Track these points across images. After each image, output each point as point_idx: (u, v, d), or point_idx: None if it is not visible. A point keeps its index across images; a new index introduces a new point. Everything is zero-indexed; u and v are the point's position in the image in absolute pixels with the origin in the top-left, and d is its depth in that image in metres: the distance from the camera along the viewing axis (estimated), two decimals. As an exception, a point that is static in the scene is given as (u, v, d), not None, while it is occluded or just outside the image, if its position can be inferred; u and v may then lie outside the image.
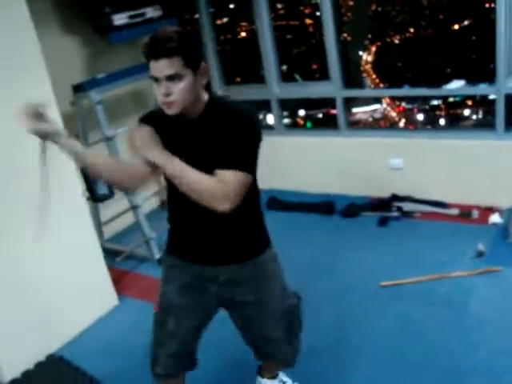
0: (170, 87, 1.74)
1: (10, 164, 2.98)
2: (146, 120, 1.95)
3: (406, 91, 4.38)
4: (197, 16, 5.01)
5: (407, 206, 4.18)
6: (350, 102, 4.79)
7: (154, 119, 1.92)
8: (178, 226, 2.06)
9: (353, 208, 4.32)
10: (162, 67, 1.72)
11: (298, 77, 4.70)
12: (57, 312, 3.26)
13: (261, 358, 2.40)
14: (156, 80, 1.75)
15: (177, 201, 1.95)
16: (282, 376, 2.55)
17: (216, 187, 1.74)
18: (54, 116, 3.17)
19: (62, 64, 3.91)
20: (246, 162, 1.80)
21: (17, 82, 2.97)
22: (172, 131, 1.87)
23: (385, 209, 4.23)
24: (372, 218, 4.18)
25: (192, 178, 1.76)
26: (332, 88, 4.51)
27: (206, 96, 1.86)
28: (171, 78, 1.73)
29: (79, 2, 4.13)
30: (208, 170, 1.77)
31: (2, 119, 2.89)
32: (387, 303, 3.17)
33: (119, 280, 3.85)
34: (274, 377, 2.53)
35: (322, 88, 4.61)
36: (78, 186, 3.42)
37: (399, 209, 4.17)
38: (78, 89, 3.84)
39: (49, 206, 3.14)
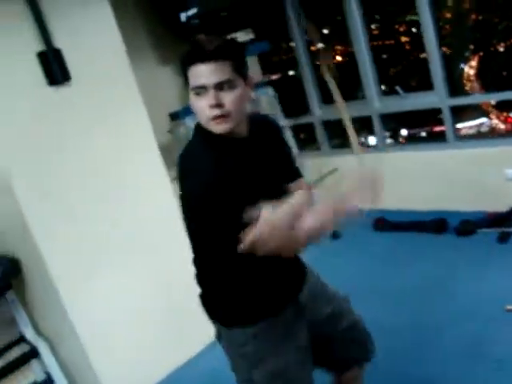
0: (221, 96, 1.46)
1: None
2: (222, 155, 1.53)
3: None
4: (293, 44, 4.97)
5: (530, 220, 3.78)
6: (454, 117, 4.48)
7: (219, 160, 1.51)
8: (251, 283, 1.67)
9: (468, 225, 3.97)
10: (210, 71, 1.44)
11: (399, 89, 4.46)
12: (162, 341, 3.23)
13: (347, 367, 2.04)
14: (200, 90, 1.47)
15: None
16: None
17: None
18: (153, 145, 3.21)
19: (159, 94, 4.01)
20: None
21: (114, 115, 3.05)
22: (242, 157, 1.55)
23: (504, 224, 3.85)
24: (490, 235, 3.81)
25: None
26: (436, 98, 4.24)
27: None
28: (221, 85, 1.46)
29: (173, 32, 4.17)
30: (281, 186, 1.64)
31: (104, 151, 2.99)
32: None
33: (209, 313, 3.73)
34: None
35: (426, 99, 4.35)
36: (176, 213, 3.37)
37: (521, 223, 3.78)
38: (175, 117, 3.90)
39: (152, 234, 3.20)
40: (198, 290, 3.31)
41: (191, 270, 3.30)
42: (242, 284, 1.67)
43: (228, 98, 1.47)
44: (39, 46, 2.75)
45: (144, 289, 3.18)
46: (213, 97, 1.45)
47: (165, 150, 3.55)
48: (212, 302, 1.78)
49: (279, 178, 1.64)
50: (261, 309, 1.69)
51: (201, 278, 1.76)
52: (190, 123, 3.81)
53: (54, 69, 2.75)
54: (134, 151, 3.16)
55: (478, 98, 4.61)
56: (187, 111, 3.85)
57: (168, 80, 4.30)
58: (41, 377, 3.52)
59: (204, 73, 1.45)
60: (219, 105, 1.46)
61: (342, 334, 1.93)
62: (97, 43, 3.00)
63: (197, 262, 1.74)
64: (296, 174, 1.68)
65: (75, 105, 2.90)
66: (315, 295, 1.85)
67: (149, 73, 4.02)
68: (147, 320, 3.18)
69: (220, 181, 1.44)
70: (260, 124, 1.67)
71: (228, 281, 1.68)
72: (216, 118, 1.47)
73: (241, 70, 1.52)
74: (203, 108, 1.48)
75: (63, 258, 2.87)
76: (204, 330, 3.34)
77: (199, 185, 1.46)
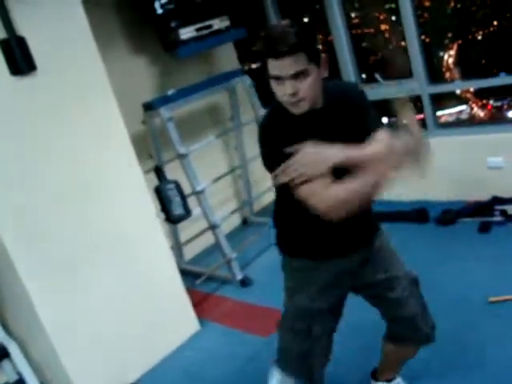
0: (297, 85, 1.63)
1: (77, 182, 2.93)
2: (275, 125, 1.78)
3: (502, 80, 3.94)
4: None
5: (512, 209, 3.75)
6: (433, 105, 4.44)
7: (279, 121, 1.76)
8: (309, 225, 1.88)
9: (449, 214, 3.94)
10: (285, 66, 1.61)
11: (378, 76, 4.39)
12: (135, 339, 3.13)
13: (396, 339, 2.21)
14: (277, 79, 1.64)
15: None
16: (399, 379, 2.41)
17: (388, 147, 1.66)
18: (124, 137, 3.11)
19: (132, 84, 3.91)
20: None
21: (82, 106, 2.93)
22: (304, 127, 1.72)
23: (485, 213, 3.81)
24: (471, 225, 3.77)
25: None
26: (416, 85, 4.17)
27: None
28: (296, 76, 1.62)
29: (145, 20, 4.06)
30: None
31: (71, 142, 2.87)
32: (499, 323, 2.76)
33: (200, 304, 3.67)
34: (390, 380, 2.39)
35: (406, 86, 4.28)
36: (152, 207, 3.28)
37: (503, 212, 3.74)
38: (149, 107, 3.77)
39: (123, 230, 3.10)
40: (169, 289, 3.29)
41: (162, 269, 3.27)
42: (300, 224, 1.91)
43: (303, 85, 1.64)
44: (1, 34, 2.60)
45: (115, 288, 3.08)
46: (290, 86, 1.63)
47: (139, 142, 3.44)
48: (279, 236, 2.02)
49: (348, 140, 1.70)
50: (308, 249, 1.94)
51: (274, 216, 2.01)
52: (164, 113, 3.70)
53: (18, 58, 2.61)
54: (103, 143, 3.04)
55: (458, 85, 4.57)
56: (161, 101, 3.78)
57: (142, 70, 4.19)
58: (12, 378, 3.42)
59: (279, 66, 1.61)
60: (295, 93, 1.64)
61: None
62: (64, 31, 2.86)
63: (276, 202, 2.00)
64: (371, 129, 1.76)
65: (40, 95, 2.77)
66: (374, 262, 2.00)
67: (121, 63, 3.89)
68: (119, 320, 3.09)
69: (269, 132, 1.77)
70: (338, 93, 1.83)
71: (291, 219, 1.93)
72: (293, 103, 1.67)
73: (313, 56, 1.65)
74: (281, 94, 1.67)
75: (32, 258, 2.76)
76: (176, 329, 3.34)
77: (259, 129, 1.84)
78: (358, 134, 1.74)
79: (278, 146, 1.68)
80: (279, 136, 1.72)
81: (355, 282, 2.04)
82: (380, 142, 1.70)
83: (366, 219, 1.96)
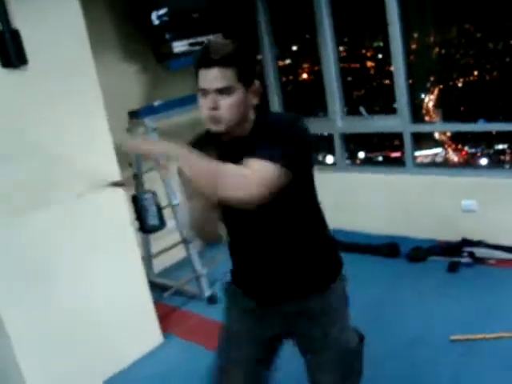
0: (218, 101, 1.59)
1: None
2: (196, 143, 1.72)
3: (483, 126, 4.05)
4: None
5: (480, 252, 3.81)
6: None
7: (204, 142, 1.73)
8: (239, 260, 1.89)
9: (419, 251, 3.98)
10: (212, 78, 1.57)
11: (363, 110, 4.46)
12: (96, 347, 3.07)
13: None
14: (203, 92, 1.60)
15: (235, 231, 1.81)
16: None
17: (239, 174, 1.52)
18: (108, 143, 3.09)
19: (120, 90, 3.89)
20: (281, 155, 1.53)
21: (69, 106, 2.92)
22: (223, 151, 1.65)
23: (455, 254, 3.86)
24: (441, 264, 3.82)
25: (212, 166, 1.51)
26: (399, 122, 4.26)
27: (252, 116, 1.70)
28: (221, 91, 1.58)
29: (140, 29, 4.07)
30: None
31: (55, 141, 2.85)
32: (459, 361, 2.79)
33: (166, 317, 3.63)
34: None
35: (388, 122, 4.37)
36: (127, 216, 3.26)
37: (471, 254, 3.80)
38: (134, 115, 3.77)
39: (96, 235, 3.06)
40: (136, 300, 3.23)
41: (132, 279, 3.22)
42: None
43: (225, 102, 1.59)
44: (-4, 26, 2.59)
45: (86, 291, 3.03)
46: (211, 100, 1.59)
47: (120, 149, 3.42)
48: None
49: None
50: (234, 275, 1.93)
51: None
52: (149, 123, 3.70)
53: (10, 50, 2.60)
54: (87, 146, 3.01)
55: (439, 126, 4.66)
56: (147, 111, 3.78)
57: (131, 77, 4.19)
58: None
59: (207, 78, 1.58)
60: (215, 108, 1.59)
61: None
62: (59, 29, 2.85)
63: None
64: (254, 157, 1.57)
65: (29, 90, 2.74)
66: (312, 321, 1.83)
67: (112, 67, 3.88)
68: (81, 325, 3.02)
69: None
70: (265, 124, 1.69)
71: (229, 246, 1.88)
72: (211, 118, 1.61)
73: (244, 77, 1.61)
74: (204, 108, 1.61)
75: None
76: (140, 340, 3.28)
77: None
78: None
79: None
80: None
81: (287, 327, 1.88)
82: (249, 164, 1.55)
83: (301, 271, 1.79)
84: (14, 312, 2.75)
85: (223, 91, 1.58)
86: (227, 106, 1.59)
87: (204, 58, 1.58)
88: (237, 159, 1.57)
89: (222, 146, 1.69)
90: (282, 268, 1.76)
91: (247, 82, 1.62)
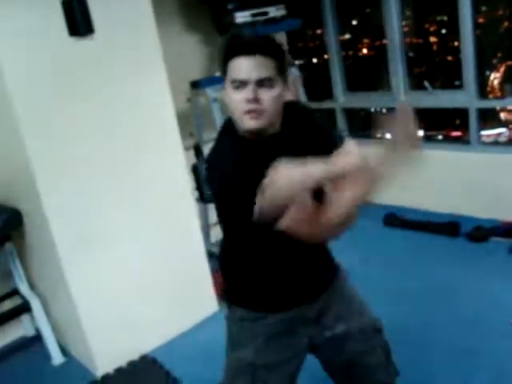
0: (260, 93, 1.43)
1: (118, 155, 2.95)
2: (218, 160, 1.53)
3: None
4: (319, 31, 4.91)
5: (545, 234, 3.67)
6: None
7: (230, 152, 1.51)
8: (257, 271, 1.65)
9: (481, 231, 3.87)
10: (254, 67, 1.41)
11: (427, 84, 4.33)
12: (154, 313, 3.16)
13: None
14: (239, 84, 1.43)
15: (274, 243, 1.53)
16: None
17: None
18: (170, 112, 3.12)
19: (182, 61, 3.93)
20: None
21: (134, 76, 2.96)
22: (262, 155, 1.42)
23: (518, 235, 3.75)
24: (502, 245, 3.70)
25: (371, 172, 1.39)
26: (464, 98, 4.12)
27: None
28: (262, 82, 1.43)
29: (203, 0, 4.07)
30: None
31: (115, 111, 2.89)
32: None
33: (221, 285, 3.67)
34: None
35: (454, 97, 4.24)
36: (187, 185, 3.30)
37: (535, 236, 3.67)
38: (195, 85, 3.80)
39: (158, 203, 3.12)
40: (195, 267, 3.30)
41: (191, 247, 3.28)
42: (248, 267, 1.67)
43: (266, 95, 1.44)
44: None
45: (145, 257, 3.12)
46: (252, 91, 1.42)
47: (182, 118, 3.45)
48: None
49: None
50: (254, 297, 1.69)
51: (221, 257, 1.80)
52: (210, 93, 3.72)
53: (78, 19, 2.65)
54: (150, 117, 3.06)
55: (508, 102, 4.46)
56: (209, 81, 3.80)
57: (193, 48, 4.22)
58: (30, 332, 3.50)
59: (246, 67, 1.42)
60: (257, 100, 1.43)
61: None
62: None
63: (222, 242, 1.76)
64: (337, 145, 1.53)
65: (94, 59, 2.80)
66: (335, 311, 1.73)
67: (174, 38, 3.93)
68: (142, 289, 3.12)
69: (236, 177, 1.41)
70: (293, 115, 1.60)
71: (239, 261, 1.70)
72: (251, 112, 1.44)
73: (283, 69, 1.49)
74: (239, 101, 1.44)
75: (66, 214, 2.79)
76: (197, 308, 3.36)
77: (219, 177, 1.48)
78: (326, 155, 1.46)
79: (233, 183, 1.40)
80: (232, 169, 1.44)
81: (314, 334, 1.72)
82: (350, 153, 1.48)
83: (322, 260, 1.74)
84: (77, 263, 2.86)
85: (265, 83, 1.43)
86: (270, 99, 1.44)
87: (242, 46, 1.44)
88: (271, 159, 1.34)
89: (254, 146, 1.51)
90: (312, 263, 1.68)
91: (284, 77, 1.50)
